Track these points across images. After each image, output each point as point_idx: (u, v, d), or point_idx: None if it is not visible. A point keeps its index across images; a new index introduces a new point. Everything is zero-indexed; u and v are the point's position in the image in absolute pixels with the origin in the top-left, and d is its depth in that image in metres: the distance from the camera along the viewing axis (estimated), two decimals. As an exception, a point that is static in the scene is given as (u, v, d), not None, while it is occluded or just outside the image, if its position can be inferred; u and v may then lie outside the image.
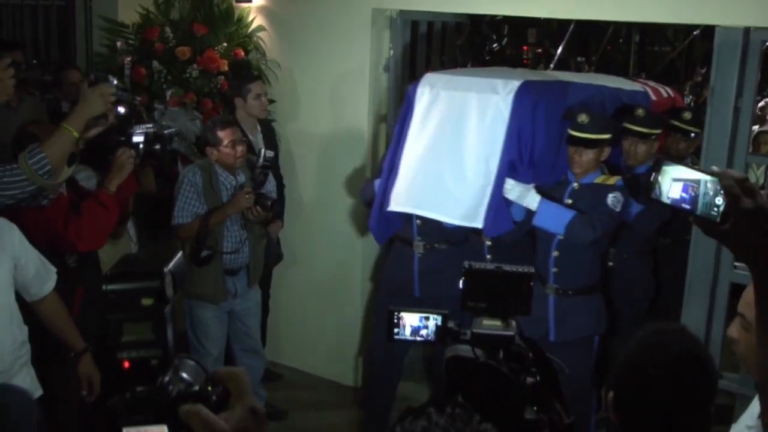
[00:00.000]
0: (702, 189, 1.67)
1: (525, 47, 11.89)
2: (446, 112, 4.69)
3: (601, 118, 4.56)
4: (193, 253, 4.86)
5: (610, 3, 4.90)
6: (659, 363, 2.02)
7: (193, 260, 4.86)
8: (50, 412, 3.87)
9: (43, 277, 3.54)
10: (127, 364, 1.64)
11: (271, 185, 5.23)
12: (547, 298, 4.59)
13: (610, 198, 4.48)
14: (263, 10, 6.13)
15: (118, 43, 6.12)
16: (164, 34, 5.94)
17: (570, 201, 4.60)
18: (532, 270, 2.48)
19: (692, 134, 5.35)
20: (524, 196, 4.51)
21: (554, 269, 4.61)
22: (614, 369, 2.09)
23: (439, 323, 2.43)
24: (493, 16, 8.94)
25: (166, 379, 1.54)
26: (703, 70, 10.60)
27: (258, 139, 5.62)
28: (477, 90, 4.64)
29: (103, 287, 1.64)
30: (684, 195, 1.74)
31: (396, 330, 2.45)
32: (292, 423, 5.66)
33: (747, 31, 4.43)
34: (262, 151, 5.06)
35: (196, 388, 1.62)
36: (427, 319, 2.42)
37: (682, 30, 11.59)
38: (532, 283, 2.46)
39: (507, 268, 2.45)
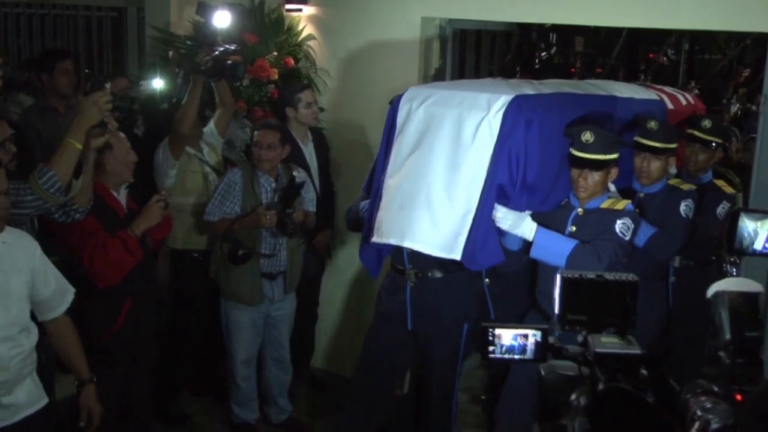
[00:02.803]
0: None
1: (665, 59, 11.53)
2: (427, 131, 4.20)
3: (607, 137, 4.10)
4: (230, 251, 4.92)
5: (661, 11, 4.85)
6: None
7: (230, 259, 4.93)
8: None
9: (59, 298, 3.56)
10: None
11: (310, 195, 5.29)
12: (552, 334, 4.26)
13: (619, 224, 4.05)
14: (313, 19, 6.16)
15: (170, 53, 6.20)
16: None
17: (573, 228, 4.19)
18: (637, 279, 2.28)
19: (713, 144, 4.94)
20: (518, 224, 4.03)
21: None
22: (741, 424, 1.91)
23: (539, 339, 2.27)
24: (541, 25, 8.91)
25: None
26: (746, 71, 10.42)
27: (309, 148, 5.66)
28: (462, 106, 4.12)
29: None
30: None
31: (491, 348, 2.28)
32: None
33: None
34: (294, 174, 5.06)
35: None
36: (525, 337, 2.26)
37: (734, 37, 11.44)
38: (636, 293, 2.27)
39: (609, 276, 2.26)
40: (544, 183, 4.17)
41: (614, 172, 4.19)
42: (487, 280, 4.80)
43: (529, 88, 4.33)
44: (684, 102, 5.20)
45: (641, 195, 4.65)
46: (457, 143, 4.08)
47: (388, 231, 4.23)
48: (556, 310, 2.26)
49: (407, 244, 4.20)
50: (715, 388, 2.05)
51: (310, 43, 6.18)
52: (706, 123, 4.91)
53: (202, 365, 5.80)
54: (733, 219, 1.79)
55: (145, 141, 5.39)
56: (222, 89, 5.44)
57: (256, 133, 5.07)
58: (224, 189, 5.04)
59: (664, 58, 11.96)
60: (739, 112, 10.58)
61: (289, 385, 5.53)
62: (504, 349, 2.29)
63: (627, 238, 4.07)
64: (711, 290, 2.21)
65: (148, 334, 4.56)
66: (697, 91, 10.22)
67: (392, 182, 4.28)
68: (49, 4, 7.62)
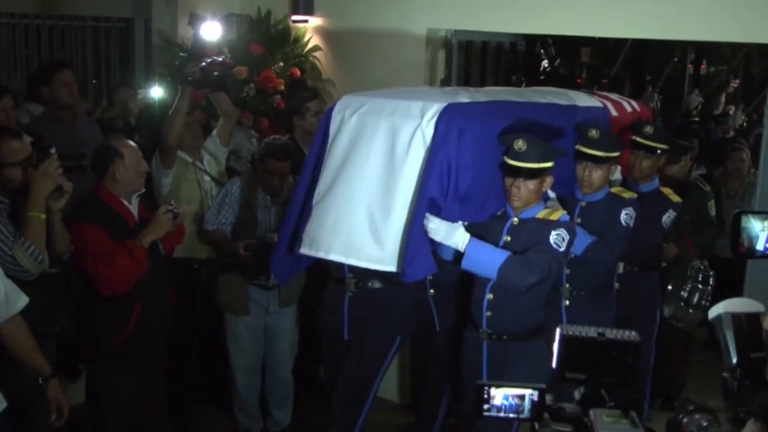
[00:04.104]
0: None
1: None
2: (361, 141, 4.06)
3: (541, 145, 3.94)
4: (219, 259, 4.95)
5: (665, 22, 4.86)
6: None
7: (220, 266, 4.95)
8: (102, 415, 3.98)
9: (10, 300, 3.55)
10: None
11: None
12: (481, 343, 4.14)
13: (554, 236, 3.92)
14: (319, 30, 6.20)
15: (177, 63, 6.22)
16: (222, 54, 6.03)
17: (508, 238, 4.05)
18: (639, 338, 2.22)
19: (657, 151, 4.85)
20: (450, 235, 3.87)
21: (488, 313, 4.10)
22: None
23: (536, 399, 2.21)
24: (544, 36, 8.94)
25: None
26: (736, 82, 10.47)
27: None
28: (395, 115, 4.00)
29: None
30: None
31: (486, 406, 2.24)
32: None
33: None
34: (266, 236, 4.92)
35: None
36: (521, 397, 2.22)
37: (740, 48, 11.48)
38: (638, 353, 2.21)
39: (610, 335, 2.19)
40: (478, 192, 4.04)
41: (549, 180, 4.05)
42: (431, 290, 4.75)
43: (465, 96, 4.20)
44: (629, 109, 5.06)
45: (583, 204, 4.56)
46: (392, 154, 3.97)
47: (327, 245, 4.09)
48: (554, 365, 2.23)
49: (353, 261, 4.07)
50: (708, 405, 2.06)
51: (316, 53, 6.22)
52: (648, 129, 4.82)
53: (206, 373, 5.80)
54: (735, 221, 1.77)
55: (145, 150, 5.39)
56: (219, 100, 5.43)
57: (270, 160, 4.98)
58: (221, 199, 5.07)
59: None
60: (744, 123, 10.63)
61: (289, 398, 5.46)
62: (497, 408, 2.26)
63: (562, 250, 3.95)
64: (712, 312, 2.17)
65: (161, 340, 4.58)
66: (702, 100, 10.26)
67: (326, 194, 4.15)
68: (57, 15, 7.67)
